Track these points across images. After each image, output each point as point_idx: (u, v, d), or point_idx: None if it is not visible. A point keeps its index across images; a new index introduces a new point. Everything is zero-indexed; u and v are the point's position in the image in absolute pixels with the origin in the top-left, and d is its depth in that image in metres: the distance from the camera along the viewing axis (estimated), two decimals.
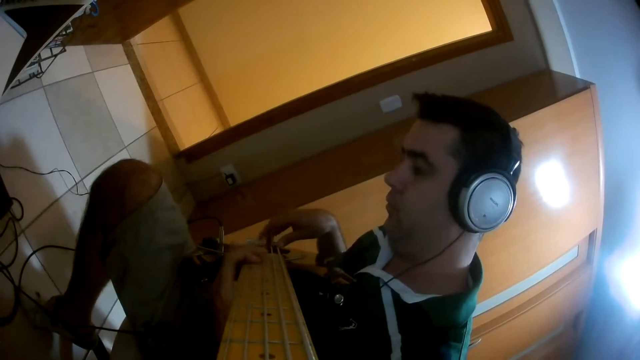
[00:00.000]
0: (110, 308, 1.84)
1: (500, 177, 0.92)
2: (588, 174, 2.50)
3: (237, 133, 3.19)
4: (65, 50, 1.75)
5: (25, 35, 1.03)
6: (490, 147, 0.94)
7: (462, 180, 0.92)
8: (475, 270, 1.04)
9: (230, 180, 3.09)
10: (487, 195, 0.92)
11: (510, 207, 0.95)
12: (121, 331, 1.35)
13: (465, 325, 0.95)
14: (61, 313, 1.47)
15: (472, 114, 0.99)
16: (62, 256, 1.67)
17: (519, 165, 0.98)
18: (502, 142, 0.96)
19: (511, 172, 0.96)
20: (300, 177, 2.89)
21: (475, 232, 0.97)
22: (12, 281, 1.38)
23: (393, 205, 1.02)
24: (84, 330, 1.56)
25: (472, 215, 0.92)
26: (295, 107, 3.12)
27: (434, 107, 0.99)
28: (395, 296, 0.97)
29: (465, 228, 0.95)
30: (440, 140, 0.95)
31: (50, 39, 1.21)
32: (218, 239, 1.20)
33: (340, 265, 1.07)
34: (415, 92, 1.02)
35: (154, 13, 2.89)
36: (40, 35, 1.16)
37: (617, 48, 2.46)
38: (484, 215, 0.93)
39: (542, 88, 2.75)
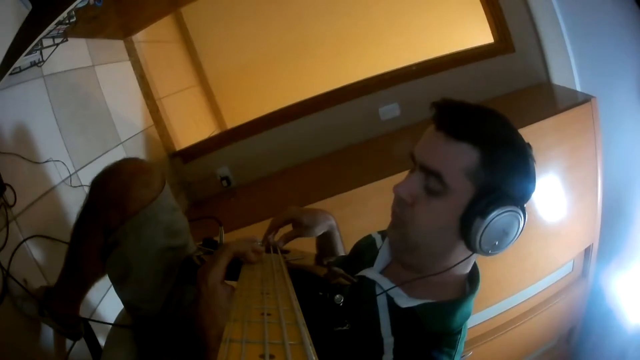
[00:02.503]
0: (100, 299, 1.83)
1: (516, 210, 0.90)
2: (586, 187, 2.51)
3: (234, 135, 3.20)
4: (67, 40, 1.75)
5: (30, 7, 1.01)
6: (508, 174, 0.91)
7: (478, 209, 0.89)
8: (473, 277, 1.04)
9: (225, 182, 3.08)
10: (501, 226, 0.89)
11: (518, 234, 0.93)
12: (110, 324, 1.36)
13: (459, 332, 0.95)
14: (49, 303, 1.46)
15: (494, 133, 0.92)
16: (52, 247, 1.66)
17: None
18: (520, 168, 0.93)
19: (525, 202, 0.94)
20: (295, 182, 2.89)
21: (483, 255, 0.96)
22: (1, 266, 1.37)
23: (400, 217, 0.98)
24: (71, 322, 1.55)
25: (483, 243, 0.90)
26: (293, 111, 3.12)
27: (454, 122, 0.92)
28: (390, 300, 0.97)
29: (474, 252, 0.94)
30: (458, 161, 0.90)
31: (53, 23, 1.20)
32: (218, 239, 1.20)
33: (339, 267, 1.07)
34: (436, 100, 0.95)
35: (156, 10, 2.90)
36: (43, 18, 1.15)
37: (618, 61, 2.47)
38: (495, 243, 0.92)
39: (542, 100, 2.76)
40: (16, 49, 1.09)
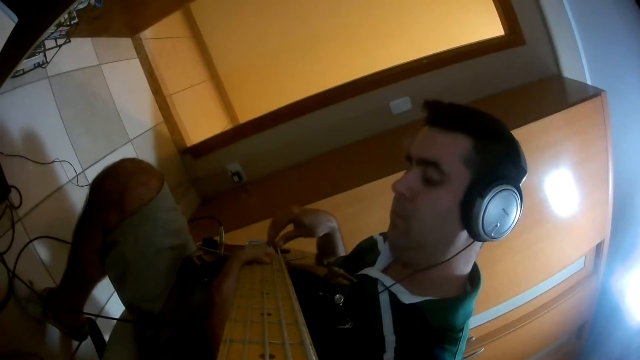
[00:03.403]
0: (107, 300, 1.84)
1: (512, 188, 0.93)
2: (597, 182, 2.48)
3: (245, 131, 3.20)
4: (70, 41, 1.75)
5: (15, 19, 1.01)
6: (501, 158, 0.95)
7: (477, 190, 0.91)
8: (473, 277, 1.05)
9: (236, 178, 3.08)
10: (500, 206, 0.92)
11: (517, 217, 0.96)
12: (115, 319, 1.37)
13: (461, 330, 0.96)
14: (53, 305, 1.48)
15: (484, 124, 0.98)
16: (59, 247, 1.67)
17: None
18: (511, 153, 0.97)
19: (520, 184, 0.96)
20: (307, 177, 2.88)
21: (486, 241, 0.97)
22: (7, 267, 1.39)
23: (401, 214, 1.00)
24: (75, 323, 1.56)
25: (485, 225, 0.92)
26: (304, 106, 3.10)
27: (446, 115, 0.98)
28: (393, 297, 0.98)
29: (477, 238, 0.95)
30: (452, 149, 0.94)
31: (50, 27, 1.20)
32: (218, 239, 1.20)
33: (339, 267, 1.07)
34: (426, 99, 1.00)
35: (163, 7, 2.89)
36: (41, 23, 1.15)
37: (629, 56, 2.44)
38: (496, 225, 0.93)
39: (553, 93, 2.73)
40: (10, 56, 1.08)
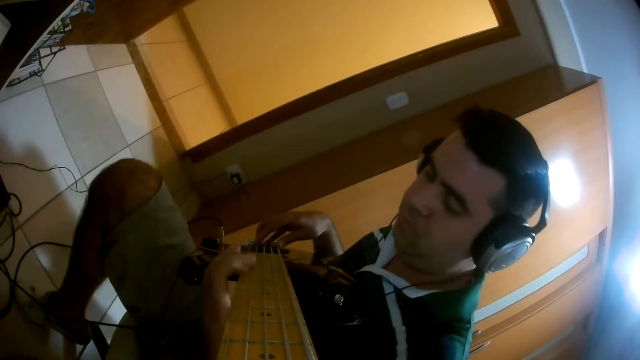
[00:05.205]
0: (110, 304, 1.84)
1: (528, 240, 0.90)
2: (597, 170, 2.47)
3: (243, 132, 3.19)
4: (64, 48, 1.75)
5: (9, 24, 1.01)
6: (529, 206, 0.92)
7: (493, 237, 0.88)
8: (478, 269, 1.03)
9: (235, 180, 3.08)
10: (511, 253, 0.90)
11: (524, 254, 0.95)
12: (117, 325, 1.38)
13: (468, 321, 0.96)
14: (55, 309, 1.48)
15: (523, 162, 0.88)
16: (60, 253, 1.67)
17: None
18: (540, 201, 0.93)
19: (539, 231, 0.94)
20: (306, 176, 2.88)
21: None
22: (7, 275, 1.39)
23: (412, 224, 0.96)
24: (78, 326, 1.57)
25: (492, 267, 0.92)
26: (301, 105, 3.10)
27: (489, 146, 0.87)
28: (398, 292, 0.98)
29: (482, 269, 0.96)
30: (484, 188, 0.88)
31: (43, 35, 1.20)
32: (218, 239, 1.20)
33: (340, 265, 1.07)
34: (467, 112, 0.93)
35: (157, 12, 2.89)
36: (34, 30, 1.15)
37: (623, 42, 2.44)
38: (502, 266, 0.93)
39: (549, 83, 2.72)
40: (4, 64, 1.09)
